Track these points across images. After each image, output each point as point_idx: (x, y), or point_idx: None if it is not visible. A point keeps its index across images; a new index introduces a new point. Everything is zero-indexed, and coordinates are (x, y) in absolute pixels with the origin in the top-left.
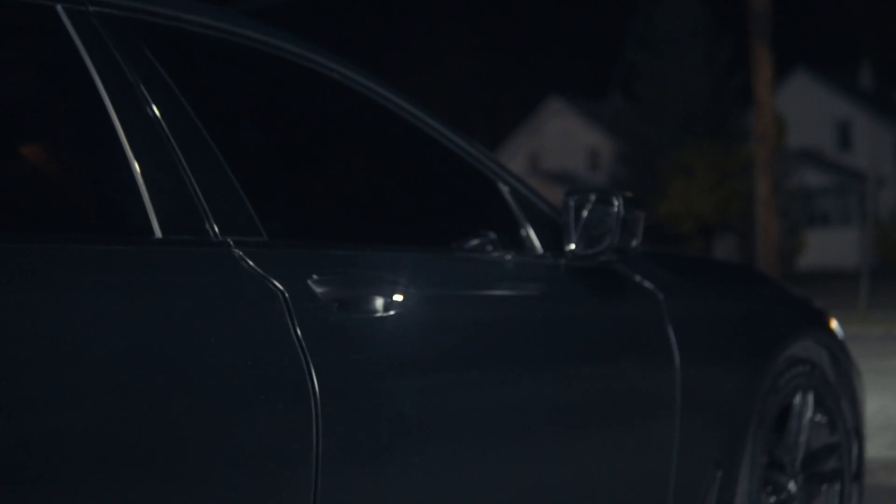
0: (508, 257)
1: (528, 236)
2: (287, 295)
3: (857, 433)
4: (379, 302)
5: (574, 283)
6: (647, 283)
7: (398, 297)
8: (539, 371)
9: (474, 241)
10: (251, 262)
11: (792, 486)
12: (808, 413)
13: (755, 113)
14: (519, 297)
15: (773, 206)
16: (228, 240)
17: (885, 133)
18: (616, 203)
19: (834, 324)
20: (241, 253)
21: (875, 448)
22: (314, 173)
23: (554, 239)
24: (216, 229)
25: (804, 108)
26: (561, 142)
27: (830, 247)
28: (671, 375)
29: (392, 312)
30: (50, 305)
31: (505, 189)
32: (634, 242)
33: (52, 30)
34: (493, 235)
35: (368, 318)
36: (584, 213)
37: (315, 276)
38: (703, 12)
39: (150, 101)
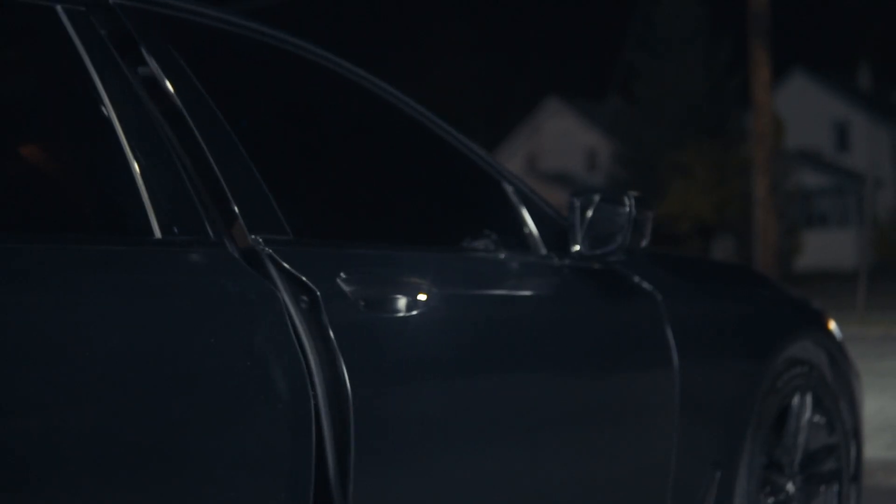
0: (517, 257)
1: (531, 237)
2: (319, 293)
3: (856, 434)
4: (402, 301)
5: (577, 284)
6: (645, 284)
7: (422, 297)
8: (544, 371)
9: (479, 241)
10: (282, 261)
11: (790, 486)
12: (807, 414)
13: (753, 113)
14: (528, 298)
15: (771, 206)
16: (259, 237)
17: (883, 134)
18: (628, 203)
19: (832, 325)
20: (271, 251)
21: (873, 449)
22: (328, 173)
23: (557, 239)
24: (245, 227)
25: (802, 108)
26: (559, 142)
27: (829, 247)
28: (670, 376)
29: (415, 312)
30: (50, 305)
31: (509, 189)
32: (644, 242)
33: (51, 30)
34: (495, 236)
35: (392, 316)
36: (589, 214)
37: (343, 275)
38: (701, 13)
39: (177, 98)
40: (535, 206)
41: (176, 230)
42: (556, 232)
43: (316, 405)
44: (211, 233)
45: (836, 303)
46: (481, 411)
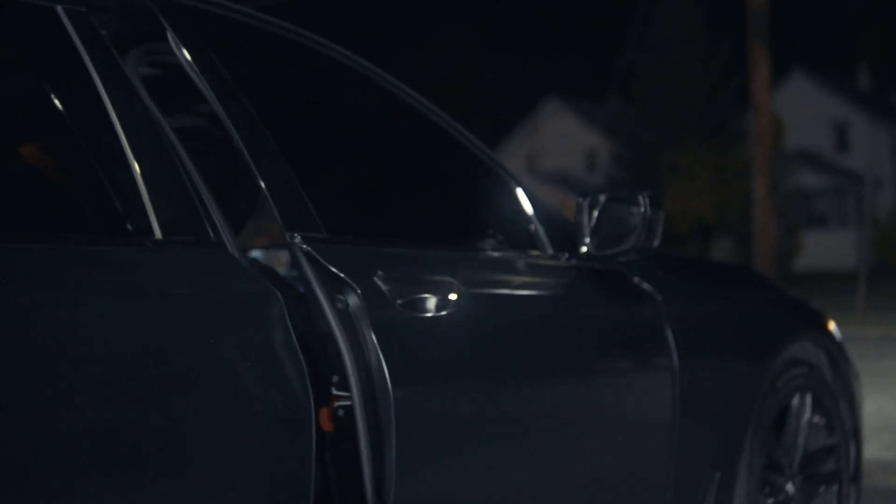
0: (531, 258)
1: (538, 237)
2: (360, 292)
3: (855, 434)
4: (435, 300)
5: (585, 284)
6: (645, 285)
7: (453, 296)
8: (556, 370)
9: (486, 241)
10: (322, 259)
11: (790, 487)
12: (807, 414)
13: (753, 114)
14: (547, 298)
15: (770, 207)
16: (297, 235)
17: (883, 134)
18: (643, 203)
19: (832, 325)
20: (310, 249)
21: (873, 449)
22: (354, 173)
23: (563, 239)
24: (282, 225)
25: (802, 109)
26: (558, 143)
27: (828, 248)
28: (669, 376)
29: (448, 311)
30: (50, 305)
31: (518, 190)
32: (656, 242)
33: (52, 30)
34: (501, 236)
35: (426, 316)
36: (596, 214)
37: (381, 273)
38: (701, 13)
39: (214, 96)
40: (541, 206)
41: (176, 230)
42: (562, 232)
43: (352, 406)
44: (211, 233)
45: (835, 303)
46: (506, 410)
